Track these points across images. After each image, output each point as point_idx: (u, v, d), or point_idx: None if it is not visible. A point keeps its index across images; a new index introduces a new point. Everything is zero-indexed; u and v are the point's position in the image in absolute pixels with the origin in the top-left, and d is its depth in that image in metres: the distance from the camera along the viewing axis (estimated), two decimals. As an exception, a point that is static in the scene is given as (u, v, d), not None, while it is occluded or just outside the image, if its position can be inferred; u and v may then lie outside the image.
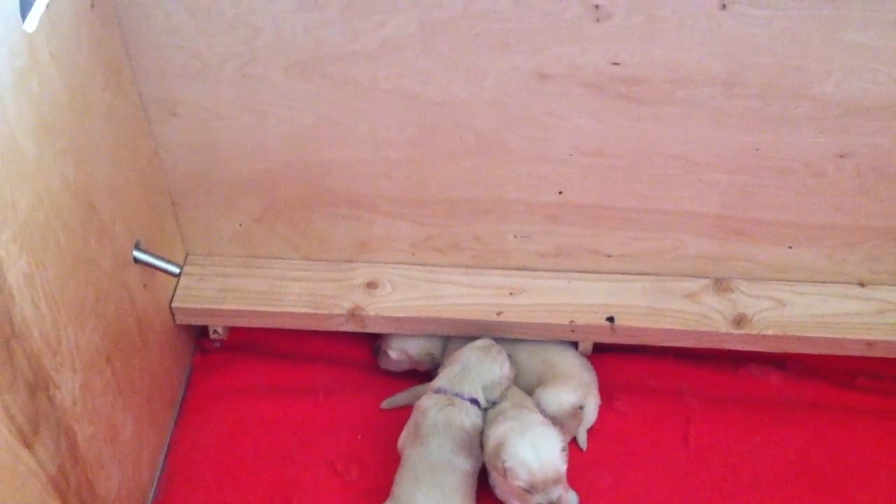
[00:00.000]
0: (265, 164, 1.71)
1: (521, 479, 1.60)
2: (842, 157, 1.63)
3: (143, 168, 1.65)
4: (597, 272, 1.87)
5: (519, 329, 1.82)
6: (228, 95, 1.59)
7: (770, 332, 1.79)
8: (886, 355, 1.81)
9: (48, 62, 1.29)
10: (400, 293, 1.85)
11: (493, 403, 1.76)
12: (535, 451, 1.60)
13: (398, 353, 1.89)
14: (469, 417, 1.72)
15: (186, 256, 1.89)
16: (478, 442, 1.72)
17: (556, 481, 1.60)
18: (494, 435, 1.66)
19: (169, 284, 1.82)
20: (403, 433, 1.76)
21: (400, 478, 1.69)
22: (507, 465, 1.61)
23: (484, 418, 1.75)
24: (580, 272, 1.87)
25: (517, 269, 1.87)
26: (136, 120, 1.60)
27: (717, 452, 1.82)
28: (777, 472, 1.80)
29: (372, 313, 1.82)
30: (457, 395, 1.74)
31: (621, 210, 1.75)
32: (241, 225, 1.83)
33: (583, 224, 1.78)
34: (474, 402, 1.74)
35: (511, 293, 1.85)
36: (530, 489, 1.60)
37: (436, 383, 1.78)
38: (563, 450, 1.62)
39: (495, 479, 1.69)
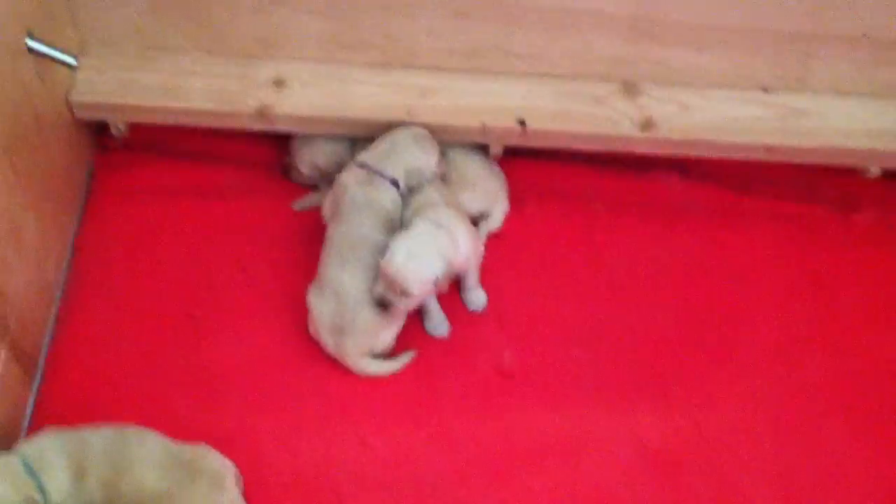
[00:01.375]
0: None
1: (382, 267, 1.61)
2: (753, -43, 1.62)
3: (32, -48, 1.54)
4: (507, 73, 1.84)
5: (430, 130, 1.79)
6: None
7: (675, 136, 1.81)
8: (785, 160, 1.86)
9: None
10: (308, 91, 1.80)
11: (411, 190, 1.74)
12: (405, 255, 1.60)
13: (308, 166, 1.86)
14: (389, 196, 1.71)
15: (81, 48, 1.78)
16: (398, 218, 1.71)
17: (401, 291, 1.61)
18: (407, 227, 1.66)
19: (67, 78, 1.74)
20: (326, 203, 1.76)
21: (324, 257, 1.70)
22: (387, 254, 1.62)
23: (403, 200, 1.74)
24: (491, 73, 1.84)
25: (428, 67, 1.83)
26: None
27: (620, 254, 1.88)
28: (675, 273, 1.87)
29: (280, 112, 1.77)
30: (378, 172, 1.72)
31: (533, 8, 1.72)
32: (136, 13, 1.74)
33: (494, 20, 1.75)
34: (395, 183, 1.72)
35: (422, 94, 1.82)
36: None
37: (360, 157, 1.75)
38: (435, 280, 1.61)
39: None
